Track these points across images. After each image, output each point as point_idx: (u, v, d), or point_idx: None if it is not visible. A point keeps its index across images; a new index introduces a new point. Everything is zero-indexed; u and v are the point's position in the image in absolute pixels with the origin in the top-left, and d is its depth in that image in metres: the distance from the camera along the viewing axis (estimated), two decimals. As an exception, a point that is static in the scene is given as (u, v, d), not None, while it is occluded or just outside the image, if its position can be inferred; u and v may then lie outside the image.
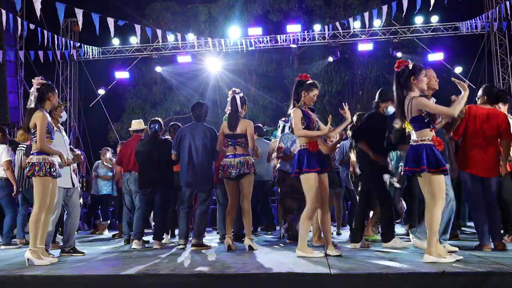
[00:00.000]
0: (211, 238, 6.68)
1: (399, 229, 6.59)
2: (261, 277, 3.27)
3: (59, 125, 4.96)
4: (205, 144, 5.35)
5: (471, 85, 13.35)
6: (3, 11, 9.82)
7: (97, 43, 14.34)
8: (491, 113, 4.62)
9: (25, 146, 6.34)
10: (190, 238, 5.45)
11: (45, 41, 11.34)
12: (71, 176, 4.92)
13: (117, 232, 7.86)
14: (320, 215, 4.41)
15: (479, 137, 4.56)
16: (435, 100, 4.40)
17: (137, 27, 11.94)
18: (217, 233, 6.96)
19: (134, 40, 14.23)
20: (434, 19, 13.66)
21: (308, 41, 14.42)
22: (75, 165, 6.97)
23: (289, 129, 5.73)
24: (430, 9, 10.88)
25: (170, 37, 13.59)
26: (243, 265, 3.72)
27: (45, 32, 11.35)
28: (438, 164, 3.60)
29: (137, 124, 6.81)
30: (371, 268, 3.40)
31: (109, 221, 9.50)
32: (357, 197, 5.65)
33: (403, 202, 6.24)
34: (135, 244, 5.63)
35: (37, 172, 4.14)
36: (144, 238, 6.09)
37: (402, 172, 4.31)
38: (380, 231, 5.08)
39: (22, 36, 12.62)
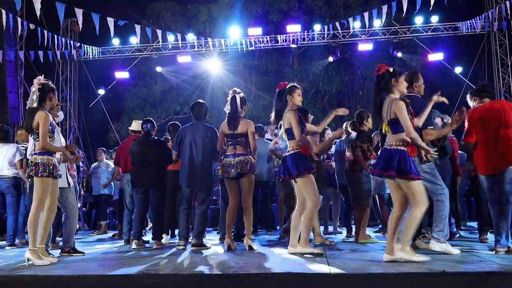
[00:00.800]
0: (211, 238, 6.68)
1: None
2: (261, 277, 3.27)
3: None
4: (206, 143, 5.35)
5: (471, 85, 13.43)
6: (3, 11, 9.81)
7: (97, 43, 14.33)
8: (493, 107, 4.45)
9: (25, 146, 6.34)
10: (190, 238, 5.45)
11: (45, 41, 11.34)
12: (66, 176, 4.91)
13: (117, 232, 7.87)
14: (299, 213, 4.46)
15: (489, 136, 4.39)
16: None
17: (137, 27, 11.95)
18: (217, 233, 6.97)
19: (134, 40, 14.23)
20: (434, 19, 13.66)
21: (308, 41, 14.42)
22: (75, 165, 6.98)
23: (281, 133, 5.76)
24: (430, 9, 10.89)
25: (170, 37, 13.58)
26: (243, 265, 3.72)
27: (45, 32, 11.35)
28: (407, 171, 3.62)
29: (136, 125, 6.83)
30: (371, 268, 3.40)
31: (107, 221, 9.51)
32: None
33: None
34: (135, 244, 5.63)
35: (41, 172, 4.14)
36: (144, 238, 6.10)
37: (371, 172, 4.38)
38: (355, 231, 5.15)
39: (22, 36, 12.61)
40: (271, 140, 7.03)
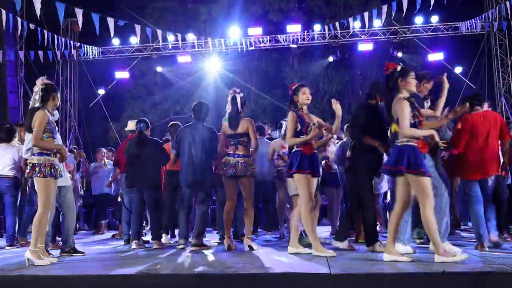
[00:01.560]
0: (211, 238, 6.68)
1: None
2: (261, 277, 3.27)
3: None
4: (205, 143, 5.34)
5: (471, 85, 13.43)
6: (3, 11, 9.81)
7: (97, 43, 14.32)
8: (487, 115, 4.79)
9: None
10: (190, 238, 5.45)
11: (45, 41, 11.34)
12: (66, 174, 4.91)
13: (117, 232, 7.87)
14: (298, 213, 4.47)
15: (477, 141, 4.71)
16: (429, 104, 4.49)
17: (137, 27, 11.94)
18: (217, 233, 6.97)
19: (134, 40, 14.21)
20: (434, 19, 13.64)
21: (308, 41, 14.41)
22: (75, 165, 6.97)
23: (281, 132, 5.79)
24: (430, 9, 10.88)
25: (170, 37, 13.57)
26: (243, 265, 3.72)
27: (45, 32, 11.35)
28: (418, 167, 3.64)
29: (131, 124, 6.83)
30: (371, 268, 3.40)
31: (107, 221, 9.51)
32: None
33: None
34: (134, 244, 5.63)
35: (38, 173, 4.13)
36: (144, 238, 6.10)
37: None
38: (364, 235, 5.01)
39: (22, 36, 12.62)
40: (271, 140, 7.03)
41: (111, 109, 15.96)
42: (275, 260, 4.03)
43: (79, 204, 8.71)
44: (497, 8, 12.22)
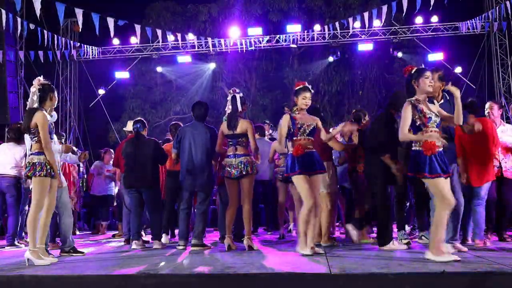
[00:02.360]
0: (211, 238, 6.68)
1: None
2: (261, 277, 3.27)
3: None
4: (205, 143, 5.34)
5: (471, 85, 13.42)
6: (3, 11, 9.81)
7: (97, 43, 14.32)
8: (486, 122, 4.90)
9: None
10: (190, 238, 5.45)
11: (45, 41, 11.33)
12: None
13: (117, 232, 7.86)
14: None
15: (478, 149, 4.87)
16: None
17: (137, 27, 11.93)
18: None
19: (134, 40, 14.20)
20: (434, 19, 13.62)
21: (308, 41, 14.40)
22: (75, 165, 6.96)
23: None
24: (430, 9, 10.88)
25: (170, 37, 13.56)
26: (243, 265, 3.72)
27: (45, 32, 11.34)
28: (419, 170, 3.70)
29: (130, 124, 6.83)
30: (371, 268, 3.39)
31: (109, 221, 9.50)
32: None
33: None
34: (135, 245, 5.63)
35: (38, 172, 4.13)
36: (144, 238, 6.09)
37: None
38: (377, 234, 5.03)
39: (22, 36, 12.60)
40: (272, 140, 7.03)
41: (111, 109, 15.95)
42: (275, 260, 4.03)
43: (78, 204, 8.71)
44: (497, 8, 12.21)
